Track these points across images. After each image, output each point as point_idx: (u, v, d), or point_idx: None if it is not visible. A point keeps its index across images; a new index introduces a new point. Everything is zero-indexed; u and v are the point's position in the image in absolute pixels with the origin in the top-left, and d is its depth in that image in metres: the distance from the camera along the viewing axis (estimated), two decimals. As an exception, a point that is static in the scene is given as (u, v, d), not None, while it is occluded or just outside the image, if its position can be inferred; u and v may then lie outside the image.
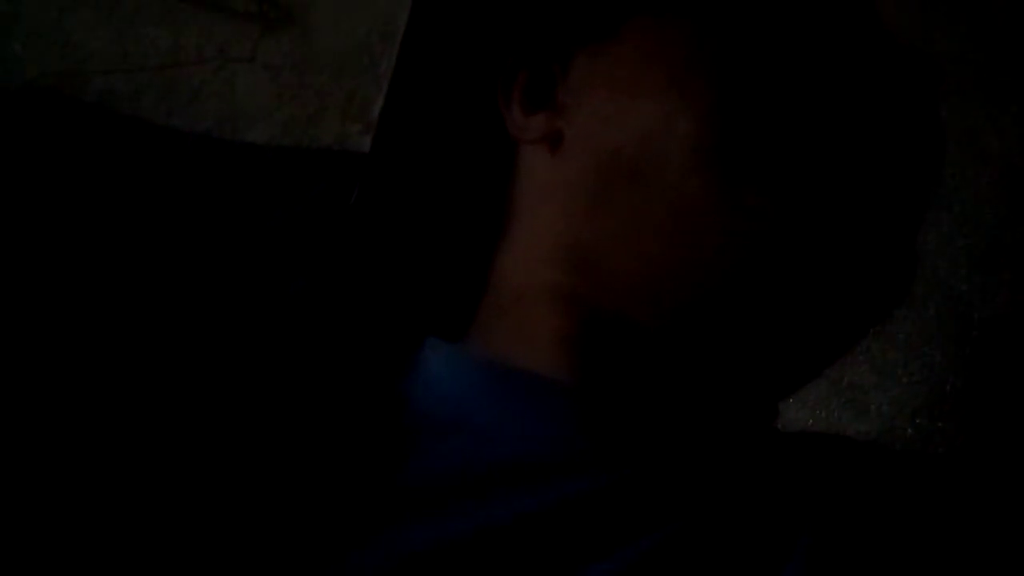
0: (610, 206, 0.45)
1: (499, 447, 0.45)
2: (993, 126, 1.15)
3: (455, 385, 0.48)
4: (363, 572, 0.41)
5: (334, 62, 1.01)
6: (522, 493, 0.43)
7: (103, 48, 1.03)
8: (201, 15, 1.02)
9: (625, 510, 0.42)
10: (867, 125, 0.45)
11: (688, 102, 0.44)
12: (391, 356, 0.50)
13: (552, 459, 0.44)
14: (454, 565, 0.41)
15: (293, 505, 0.43)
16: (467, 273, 0.51)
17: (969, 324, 1.13)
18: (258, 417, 0.46)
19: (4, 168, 0.83)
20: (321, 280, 0.56)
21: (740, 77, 0.44)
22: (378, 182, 0.55)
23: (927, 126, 0.47)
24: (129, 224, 0.80)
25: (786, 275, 0.43)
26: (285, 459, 0.44)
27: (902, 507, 0.43)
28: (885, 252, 0.45)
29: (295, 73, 1.01)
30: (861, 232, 0.44)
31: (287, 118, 0.98)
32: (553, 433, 0.46)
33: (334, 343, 0.52)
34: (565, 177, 0.47)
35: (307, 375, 0.49)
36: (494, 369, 0.47)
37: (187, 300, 0.60)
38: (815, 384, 1.13)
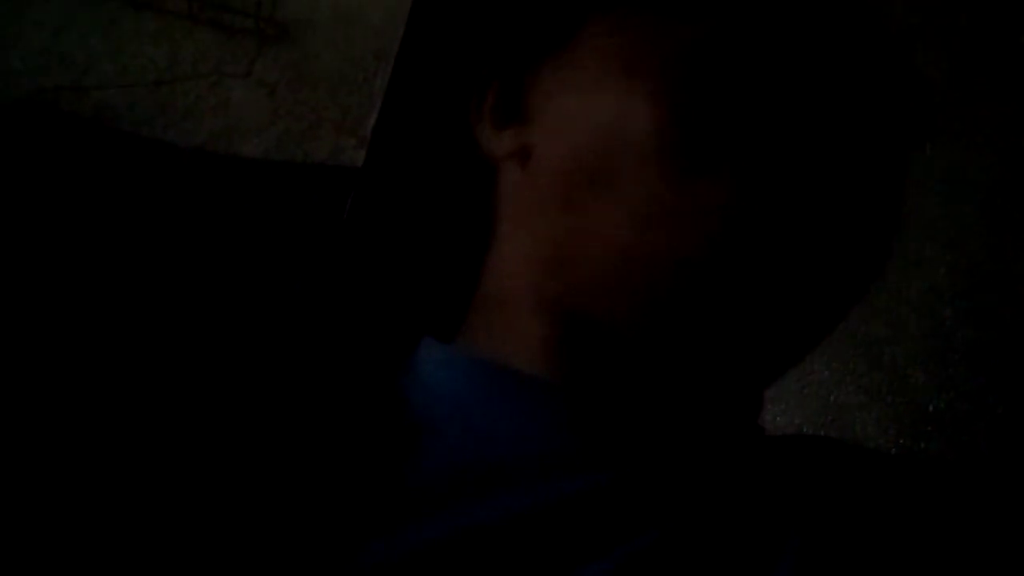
0: (579, 208, 0.45)
1: (496, 446, 0.44)
2: (976, 158, 1.17)
3: (451, 385, 0.47)
4: (363, 572, 0.40)
5: (329, 79, 1.02)
6: (519, 492, 0.42)
7: (100, 64, 1.03)
8: (198, 32, 1.03)
9: (622, 509, 0.42)
10: (827, 109, 0.44)
11: (642, 97, 0.43)
12: (388, 357, 0.50)
13: (548, 458, 0.44)
14: (453, 564, 0.40)
15: (293, 506, 0.42)
16: (459, 274, 0.51)
17: (952, 347, 1.15)
18: (259, 420, 0.45)
19: (3, 182, 0.84)
20: (317, 285, 0.57)
21: (692, 68, 0.43)
22: (372, 190, 0.55)
23: (894, 106, 0.46)
24: (126, 235, 0.81)
25: (755, 263, 0.42)
26: (286, 460, 0.44)
27: (891, 508, 0.43)
28: (852, 233, 0.44)
29: (290, 89, 1.01)
30: (826, 216, 0.43)
31: (282, 132, 0.99)
32: (548, 433, 0.45)
33: (332, 345, 0.52)
34: (537, 186, 0.47)
35: (306, 377, 0.49)
36: (488, 369, 0.47)
37: (186, 308, 0.60)
38: (802, 403, 1.14)
